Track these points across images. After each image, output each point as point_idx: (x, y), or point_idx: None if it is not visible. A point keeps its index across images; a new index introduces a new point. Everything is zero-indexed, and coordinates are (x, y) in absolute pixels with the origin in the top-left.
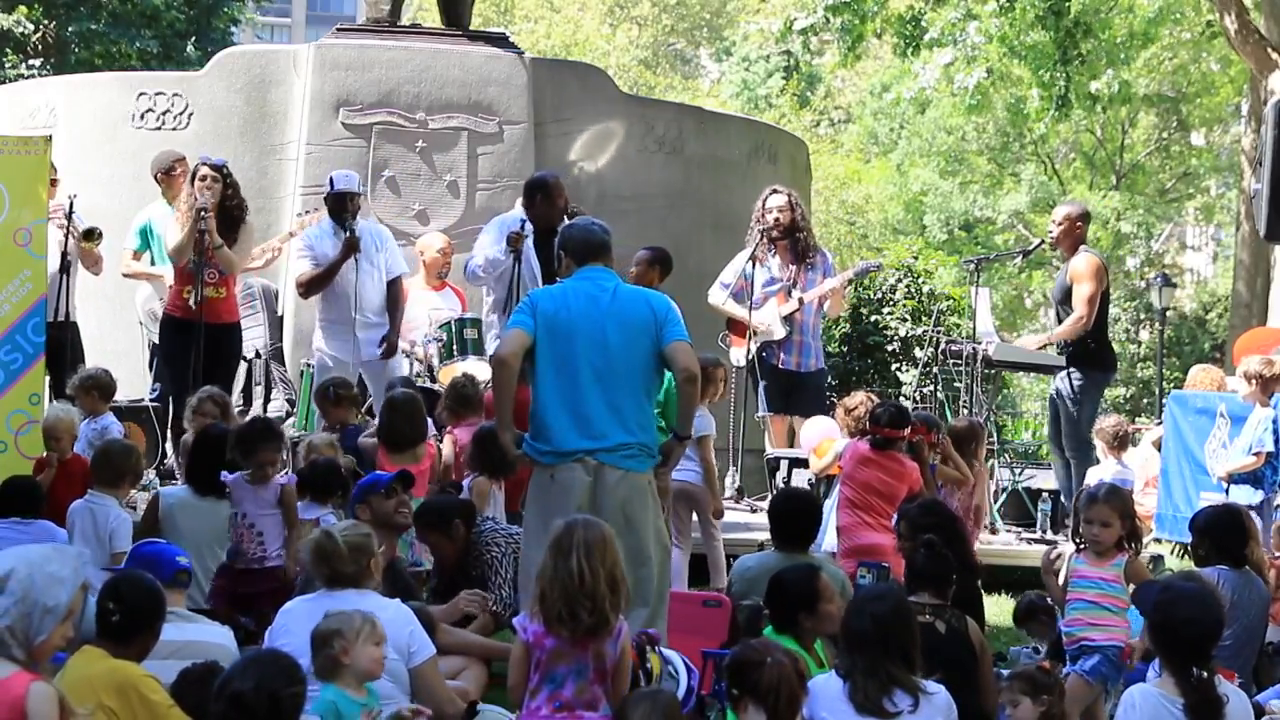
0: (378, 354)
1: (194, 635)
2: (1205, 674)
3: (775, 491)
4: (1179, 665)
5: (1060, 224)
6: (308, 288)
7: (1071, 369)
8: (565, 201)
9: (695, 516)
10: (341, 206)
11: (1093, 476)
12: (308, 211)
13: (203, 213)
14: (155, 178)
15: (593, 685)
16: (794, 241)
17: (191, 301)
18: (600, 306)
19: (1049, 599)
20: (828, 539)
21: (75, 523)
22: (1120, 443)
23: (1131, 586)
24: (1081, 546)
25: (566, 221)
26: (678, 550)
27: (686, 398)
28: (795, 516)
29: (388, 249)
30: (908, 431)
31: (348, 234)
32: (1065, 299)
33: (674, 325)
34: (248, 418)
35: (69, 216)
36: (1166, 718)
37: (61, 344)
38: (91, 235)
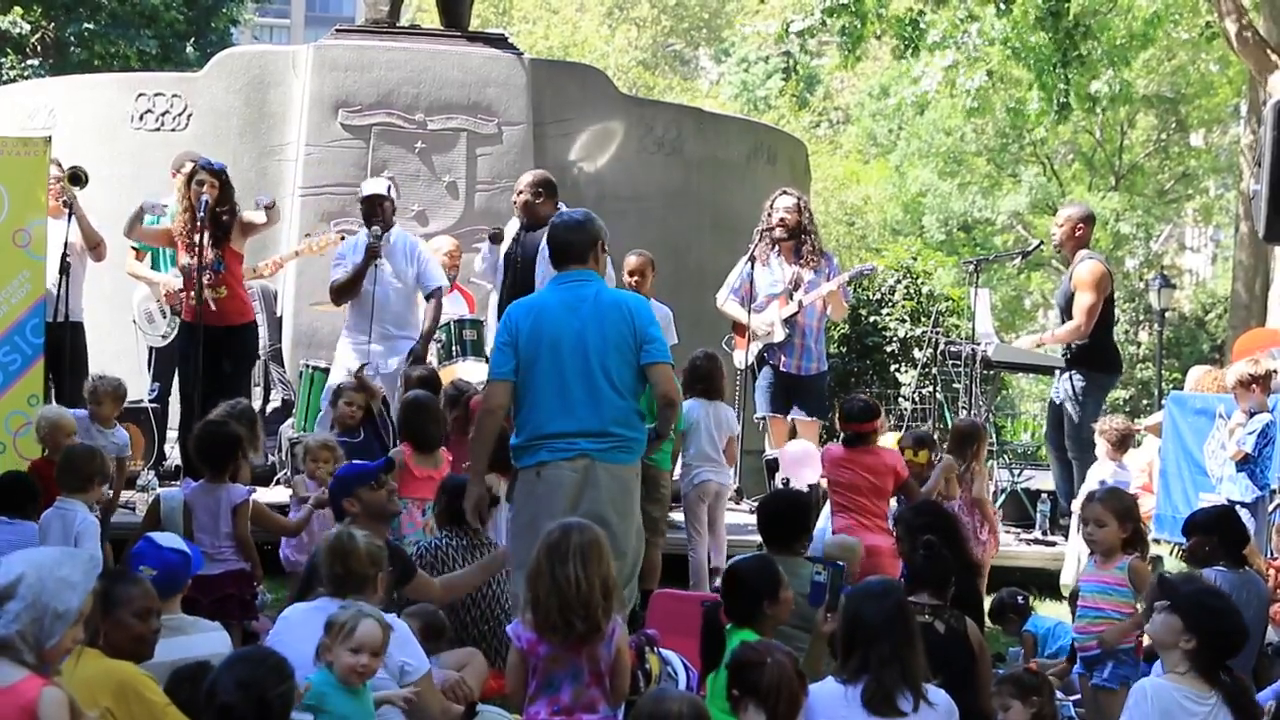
0: (393, 367)
1: (188, 650)
2: (1236, 679)
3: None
4: (1218, 666)
5: (1061, 226)
6: (336, 295)
7: (1074, 370)
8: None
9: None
10: (368, 210)
11: (1091, 477)
12: (321, 233)
13: (203, 211)
14: (174, 176)
15: (589, 688)
16: (799, 244)
17: (198, 305)
18: (580, 316)
19: (1020, 597)
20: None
21: (47, 531)
22: (1123, 443)
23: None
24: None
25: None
26: (700, 547)
27: (664, 419)
28: (784, 517)
29: (418, 261)
30: (878, 425)
31: (370, 239)
32: (1068, 304)
33: (653, 345)
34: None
35: (59, 164)
36: (1179, 713)
37: (60, 344)
38: (77, 179)
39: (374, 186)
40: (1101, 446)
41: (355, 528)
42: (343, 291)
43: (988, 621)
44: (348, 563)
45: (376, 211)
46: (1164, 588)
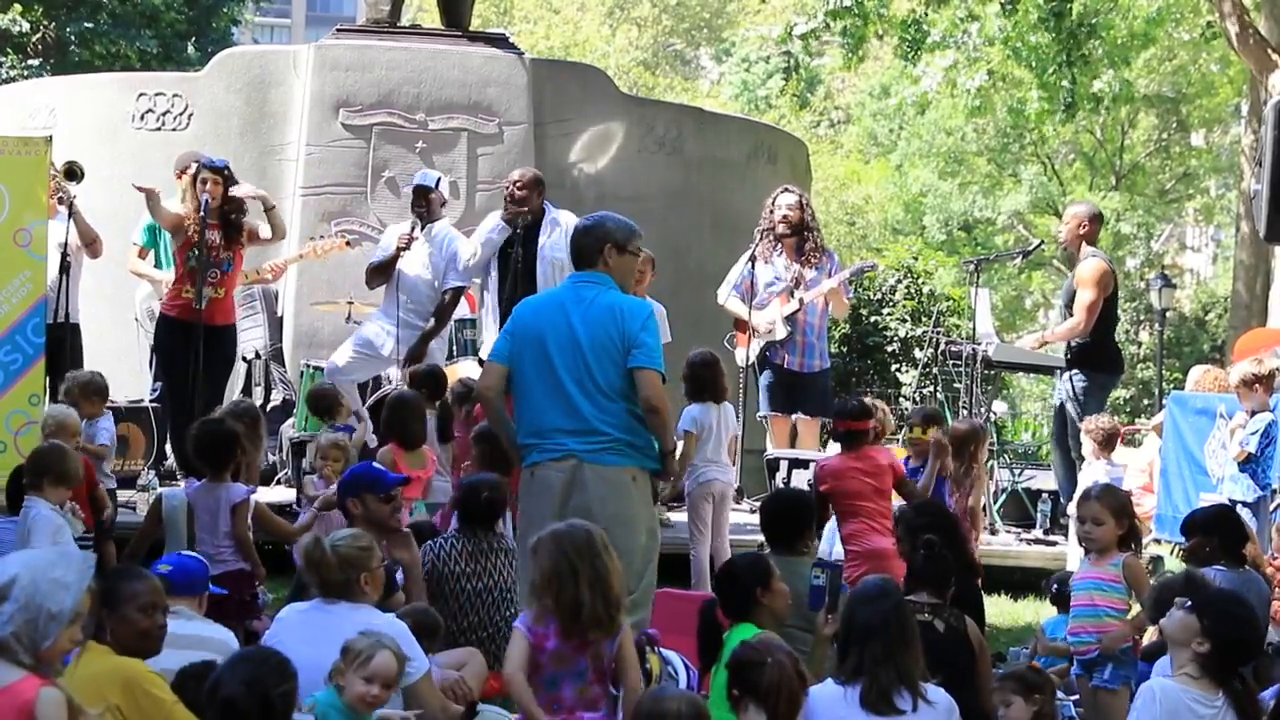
0: (392, 354)
1: (196, 630)
2: (1246, 685)
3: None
4: (1229, 672)
5: (1068, 223)
6: (368, 276)
7: (1075, 370)
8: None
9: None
10: (414, 202)
11: (1085, 477)
12: (323, 236)
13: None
14: (178, 177)
15: (592, 685)
16: (801, 241)
17: (195, 303)
18: (571, 317)
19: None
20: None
21: (16, 531)
22: (1109, 442)
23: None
24: (1088, 552)
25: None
26: (702, 546)
27: (652, 426)
28: (787, 516)
29: (451, 259)
30: (871, 424)
31: (410, 229)
32: (1071, 302)
33: (641, 350)
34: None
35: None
36: (1186, 715)
37: (61, 344)
38: (73, 174)
39: (422, 178)
40: (1088, 445)
41: (350, 529)
42: (372, 276)
43: (1019, 621)
44: (320, 571)
45: (420, 203)
46: (1190, 586)
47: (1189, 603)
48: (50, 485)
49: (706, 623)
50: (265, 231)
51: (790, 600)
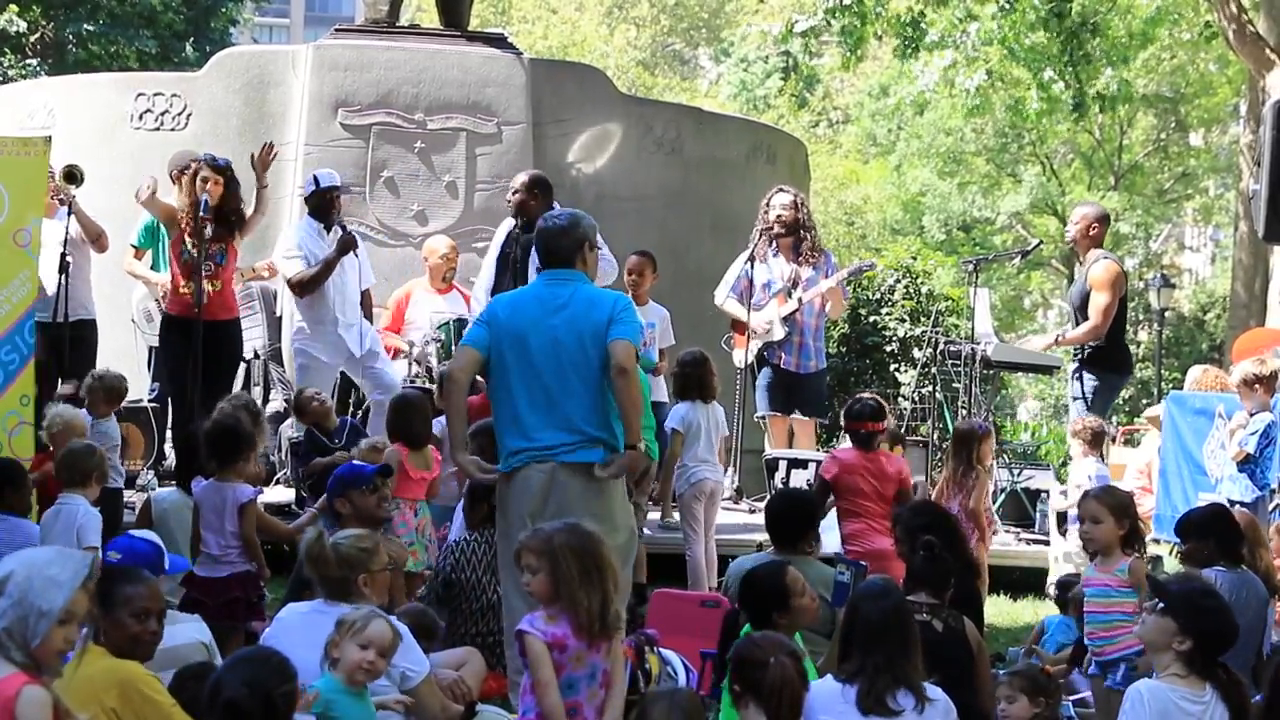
0: (359, 352)
1: (168, 640)
2: (1230, 674)
3: (773, 492)
4: (1213, 664)
5: (1076, 224)
6: (304, 287)
7: (1084, 371)
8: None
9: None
10: (329, 204)
11: (1073, 475)
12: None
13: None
14: (171, 176)
15: (600, 689)
16: (797, 241)
17: (194, 300)
18: (552, 312)
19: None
20: (831, 544)
21: (49, 528)
22: (1097, 441)
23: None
24: (1092, 553)
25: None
26: (697, 546)
27: (617, 393)
28: (792, 517)
29: (364, 258)
30: (885, 424)
31: (344, 233)
32: (1083, 304)
33: (619, 324)
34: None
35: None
36: (1176, 714)
37: (60, 343)
38: (72, 177)
39: (333, 179)
40: (1077, 446)
41: (347, 529)
42: (313, 284)
43: (1016, 623)
44: (319, 567)
45: (337, 204)
46: (1155, 589)
47: (1160, 605)
48: (97, 482)
49: (729, 632)
50: (247, 210)
51: (816, 613)
